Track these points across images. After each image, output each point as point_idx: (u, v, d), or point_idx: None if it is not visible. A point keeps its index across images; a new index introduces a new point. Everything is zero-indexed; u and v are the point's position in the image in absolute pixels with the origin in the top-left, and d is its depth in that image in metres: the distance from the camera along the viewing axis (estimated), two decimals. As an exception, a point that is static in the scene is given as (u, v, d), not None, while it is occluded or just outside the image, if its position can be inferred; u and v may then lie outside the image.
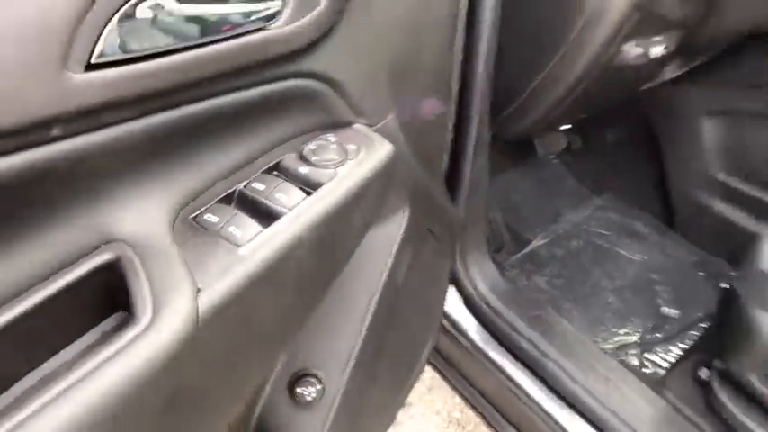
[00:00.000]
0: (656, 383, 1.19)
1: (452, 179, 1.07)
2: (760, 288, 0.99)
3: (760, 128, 1.38)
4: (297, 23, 0.48)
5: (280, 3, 0.47)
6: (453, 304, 1.22)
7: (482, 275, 1.28)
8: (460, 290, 1.24)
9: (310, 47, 0.51)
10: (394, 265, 0.74)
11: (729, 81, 1.39)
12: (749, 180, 1.43)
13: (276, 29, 0.46)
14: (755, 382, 0.98)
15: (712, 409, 1.06)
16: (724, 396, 1.02)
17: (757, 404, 0.99)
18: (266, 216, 0.48)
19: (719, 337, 1.07)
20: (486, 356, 1.18)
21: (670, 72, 1.30)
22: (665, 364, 1.26)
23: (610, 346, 1.31)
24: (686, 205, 1.56)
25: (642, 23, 0.92)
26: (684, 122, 1.49)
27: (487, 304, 1.24)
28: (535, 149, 1.70)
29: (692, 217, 1.55)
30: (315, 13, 0.49)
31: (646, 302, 1.42)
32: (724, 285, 1.09)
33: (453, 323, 1.22)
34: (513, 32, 0.99)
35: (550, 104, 1.05)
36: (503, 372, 1.18)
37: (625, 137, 1.66)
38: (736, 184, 1.46)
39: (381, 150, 0.62)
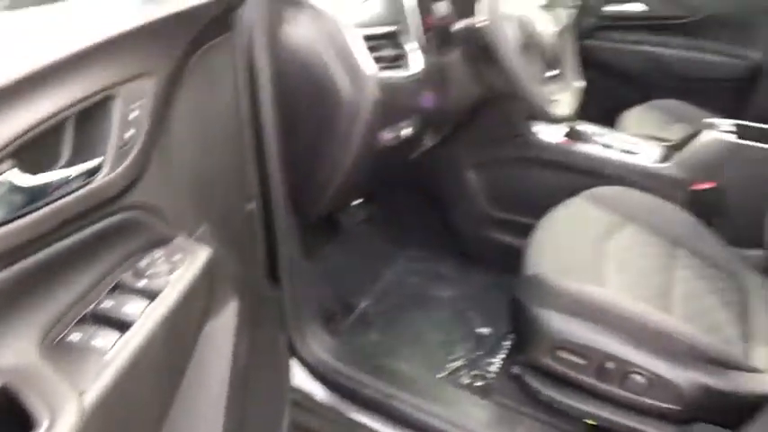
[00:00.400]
0: (486, 392, 1.41)
1: (273, 265, 1.20)
2: (533, 290, 1.26)
3: (509, 169, 1.74)
4: (116, 171, 0.61)
5: (100, 159, 0.60)
6: (300, 377, 1.32)
7: (320, 344, 1.41)
8: (303, 361, 1.35)
9: (129, 186, 0.64)
10: (234, 349, 0.85)
11: (482, 136, 1.75)
12: (509, 210, 1.78)
13: (101, 179, 0.59)
14: (550, 363, 1.22)
15: (528, 394, 1.29)
16: (532, 381, 1.26)
17: (557, 379, 1.23)
18: (120, 326, 0.59)
19: (518, 337, 1.32)
20: (341, 415, 1.30)
21: (429, 141, 1.60)
22: (490, 375, 1.49)
23: (444, 373, 1.50)
24: (473, 239, 1.87)
25: (388, 114, 1.17)
26: (456, 174, 1.81)
27: (331, 369, 1.37)
28: (340, 224, 1.90)
29: (480, 248, 1.86)
30: (128, 161, 0.62)
31: (464, 329, 1.66)
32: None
33: (304, 395, 1.32)
34: (297, 128, 1.18)
35: (338, 185, 1.26)
36: (360, 425, 1.30)
37: (414, 194, 1.94)
38: (502, 215, 1.80)
39: (201, 255, 0.75)
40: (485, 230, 1.83)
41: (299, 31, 1.13)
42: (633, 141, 1.69)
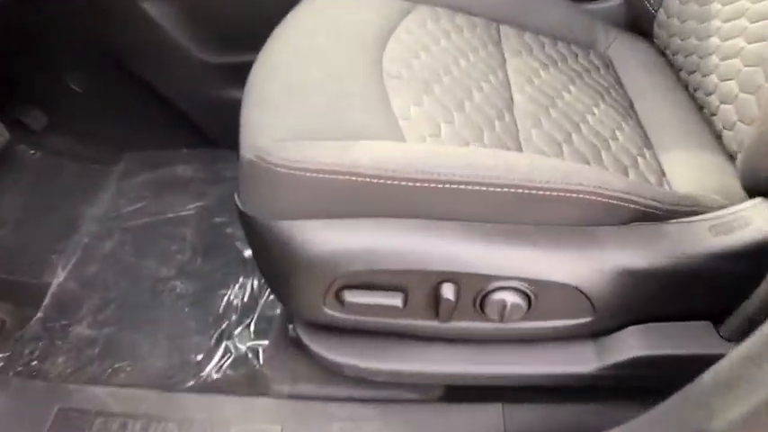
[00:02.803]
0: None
1: None
2: (262, 182, 0.64)
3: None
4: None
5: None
6: None
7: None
8: None
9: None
10: None
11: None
12: (226, 45, 1.07)
13: None
14: (336, 315, 0.65)
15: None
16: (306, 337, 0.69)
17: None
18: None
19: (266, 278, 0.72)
20: None
21: None
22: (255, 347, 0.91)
23: (191, 382, 0.88)
24: (198, 111, 1.16)
25: None
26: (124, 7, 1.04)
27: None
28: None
29: (212, 118, 1.17)
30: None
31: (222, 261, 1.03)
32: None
33: None
34: None
35: None
36: None
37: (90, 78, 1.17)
38: (216, 58, 1.09)
39: None
40: (207, 89, 1.12)
41: None
42: None
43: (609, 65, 0.88)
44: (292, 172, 0.54)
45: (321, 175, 0.54)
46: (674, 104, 0.79)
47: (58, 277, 1.03)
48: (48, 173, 1.20)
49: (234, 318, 0.94)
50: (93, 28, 1.05)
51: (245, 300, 0.96)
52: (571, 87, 0.78)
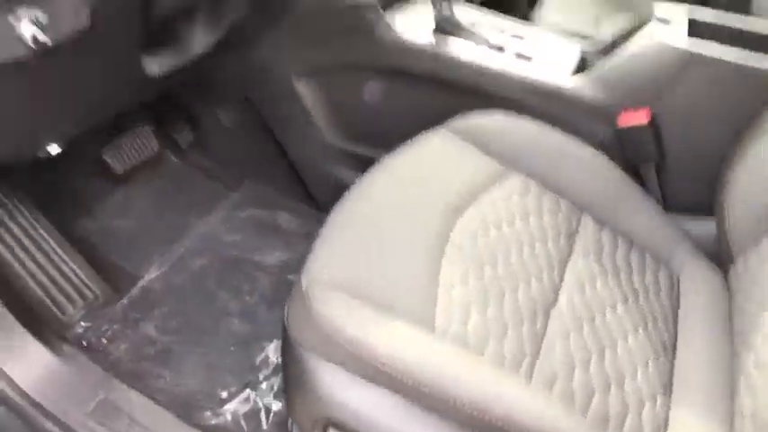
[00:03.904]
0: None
1: None
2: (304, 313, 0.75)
3: (354, 79, 1.15)
4: None
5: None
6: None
7: (21, 364, 0.92)
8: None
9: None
10: None
11: (306, 28, 1.14)
12: (356, 138, 1.22)
13: None
14: None
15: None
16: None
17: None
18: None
19: (285, 384, 0.83)
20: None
21: (198, 42, 0.99)
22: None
23: (208, 413, 1.00)
24: (314, 177, 1.32)
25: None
26: (282, 86, 1.22)
27: (31, 402, 0.90)
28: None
29: (324, 189, 1.31)
30: None
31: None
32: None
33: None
34: None
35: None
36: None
37: (239, 118, 1.37)
38: (347, 145, 1.23)
39: None
40: (327, 165, 1.28)
41: None
42: (543, 40, 1.09)
43: (674, 286, 0.90)
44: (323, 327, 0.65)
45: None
46: (718, 357, 0.79)
47: (150, 275, 1.21)
48: (183, 182, 1.41)
49: (265, 372, 1.06)
50: (250, 87, 1.24)
51: (280, 360, 1.08)
52: (619, 306, 0.81)
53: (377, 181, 0.84)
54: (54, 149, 0.95)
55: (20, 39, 0.64)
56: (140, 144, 1.37)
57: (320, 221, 1.33)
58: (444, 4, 1.03)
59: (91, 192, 1.33)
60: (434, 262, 0.74)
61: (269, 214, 1.36)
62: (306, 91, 1.19)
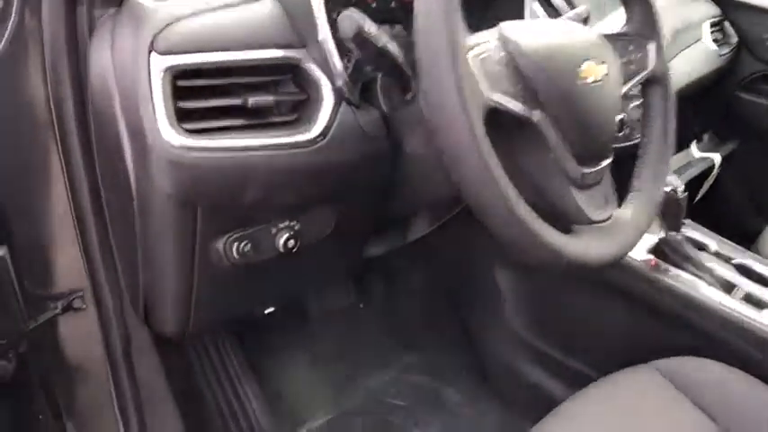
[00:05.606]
0: None
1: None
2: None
3: (559, 286, 1.12)
4: None
5: None
6: None
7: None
8: None
9: None
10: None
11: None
12: (551, 340, 1.16)
13: None
14: None
15: None
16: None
17: None
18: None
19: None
20: None
21: (420, 228, 1.03)
22: None
23: None
24: (495, 364, 1.28)
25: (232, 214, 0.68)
26: (480, 272, 1.22)
27: None
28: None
29: (503, 377, 1.26)
30: None
31: None
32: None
33: None
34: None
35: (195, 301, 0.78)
36: None
37: (423, 278, 1.39)
38: (539, 344, 1.18)
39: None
40: (512, 357, 1.23)
41: (101, 54, 0.66)
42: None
43: None
44: None
45: None
46: None
47: (313, 422, 1.22)
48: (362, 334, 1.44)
49: None
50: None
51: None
52: None
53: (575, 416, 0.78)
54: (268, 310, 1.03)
55: (274, 245, 0.71)
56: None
57: (483, 402, 1.29)
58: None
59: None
60: None
61: (437, 386, 1.33)
62: (503, 280, 1.17)
